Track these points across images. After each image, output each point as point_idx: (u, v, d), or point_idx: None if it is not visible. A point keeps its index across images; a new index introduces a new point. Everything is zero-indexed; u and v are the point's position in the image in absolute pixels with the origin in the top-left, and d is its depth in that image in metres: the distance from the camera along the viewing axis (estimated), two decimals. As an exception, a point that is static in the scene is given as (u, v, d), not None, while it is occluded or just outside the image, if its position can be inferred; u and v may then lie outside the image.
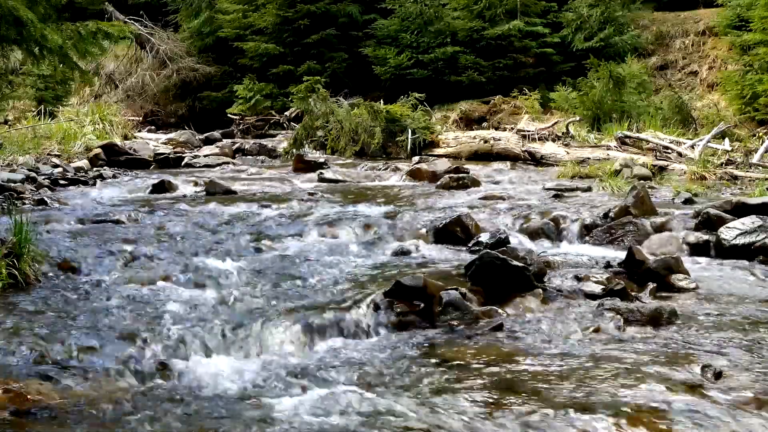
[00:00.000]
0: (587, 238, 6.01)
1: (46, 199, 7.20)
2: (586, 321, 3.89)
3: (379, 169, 10.37)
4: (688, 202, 7.16)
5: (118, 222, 6.15)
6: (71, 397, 2.95)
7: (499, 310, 4.05)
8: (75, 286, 4.44)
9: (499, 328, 3.80)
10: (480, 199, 7.59)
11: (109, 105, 16.21)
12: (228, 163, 11.74)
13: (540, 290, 4.27)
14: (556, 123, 12.73)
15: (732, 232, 5.44)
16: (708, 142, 10.13)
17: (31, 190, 7.77)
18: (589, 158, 10.44)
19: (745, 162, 9.55)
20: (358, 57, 17.42)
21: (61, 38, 6.15)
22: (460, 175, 8.87)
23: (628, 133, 11.21)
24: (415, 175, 9.55)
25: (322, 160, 10.86)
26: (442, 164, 9.88)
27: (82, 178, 9.00)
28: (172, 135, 15.24)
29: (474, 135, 12.53)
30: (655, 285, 4.52)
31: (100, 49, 7.31)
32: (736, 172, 9.02)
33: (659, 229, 5.94)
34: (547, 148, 11.49)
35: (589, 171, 9.46)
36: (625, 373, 3.18)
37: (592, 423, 2.67)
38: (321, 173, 9.59)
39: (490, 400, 2.91)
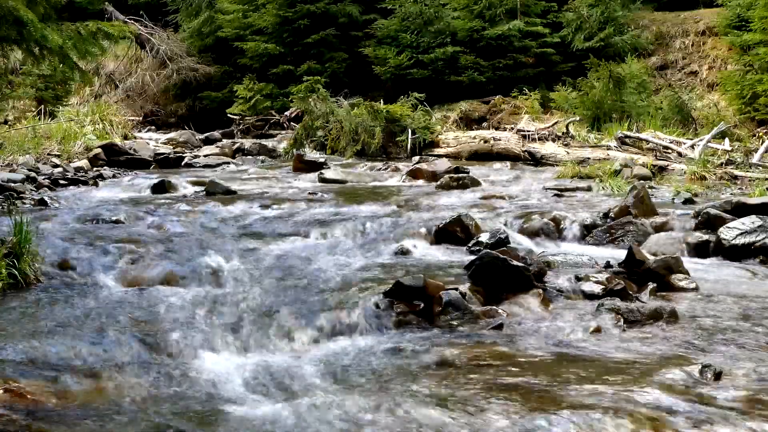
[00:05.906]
0: (587, 238, 6.01)
1: (46, 199, 7.20)
2: (586, 321, 3.89)
3: (379, 169, 10.38)
4: (688, 202, 7.17)
5: (118, 222, 6.15)
6: (71, 396, 2.95)
7: (499, 310, 4.05)
8: (75, 286, 4.43)
9: (499, 328, 3.80)
10: (480, 199, 7.60)
11: (109, 105, 16.21)
12: (228, 163, 11.76)
13: (540, 290, 4.26)
14: (556, 123, 12.74)
15: (732, 232, 5.44)
16: (708, 142, 10.13)
17: (31, 190, 7.77)
18: (589, 158, 10.45)
19: (745, 162, 9.56)
20: (358, 57, 17.41)
21: (61, 38, 6.15)
22: (460, 175, 8.88)
23: (628, 133, 11.22)
24: (415, 175, 9.56)
25: (322, 160, 10.86)
26: (442, 164, 9.89)
27: (82, 178, 9.01)
28: (172, 135, 15.24)
29: (474, 135, 12.55)
30: (655, 285, 4.51)
31: (100, 49, 7.31)
32: (736, 172, 9.02)
33: (659, 229, 5.95)
34: (547, 148, 11.50)
35: (589, 171, 9.47)
36: (625, 372, 3.18)
37: (592, 423, 2.67)
38: (321, 173, 9.60)
39: (491, 400, 2.91)
